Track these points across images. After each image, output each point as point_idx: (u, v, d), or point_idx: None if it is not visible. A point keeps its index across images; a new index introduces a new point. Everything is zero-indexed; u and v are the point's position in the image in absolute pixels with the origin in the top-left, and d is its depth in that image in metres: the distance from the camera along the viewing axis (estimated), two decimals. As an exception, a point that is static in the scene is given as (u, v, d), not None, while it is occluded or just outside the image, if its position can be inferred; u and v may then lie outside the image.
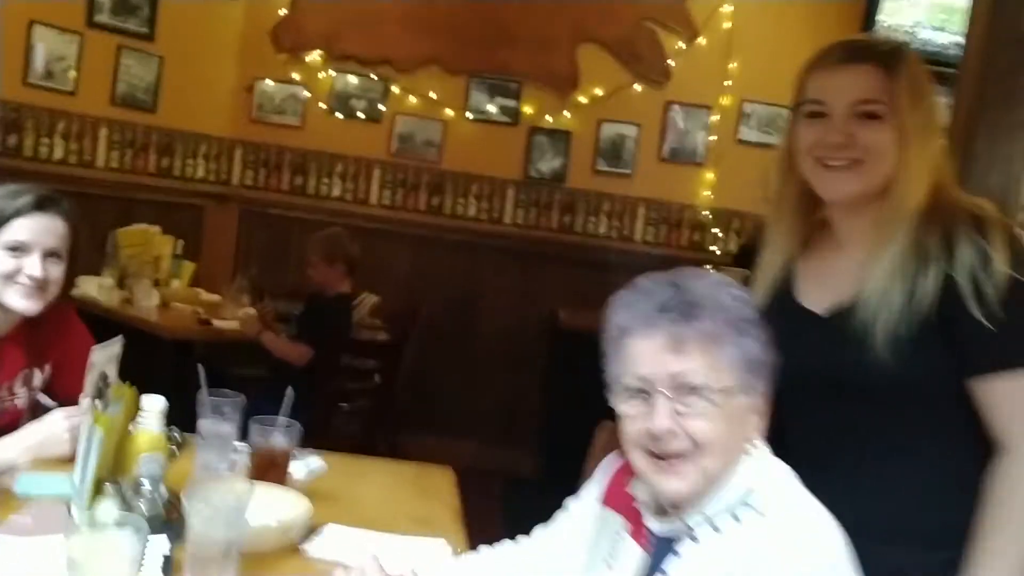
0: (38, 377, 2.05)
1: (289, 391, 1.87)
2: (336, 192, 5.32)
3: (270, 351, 3.87)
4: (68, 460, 1.74)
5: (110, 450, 1.57)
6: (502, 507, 4.36)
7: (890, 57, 1.46)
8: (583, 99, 5.26)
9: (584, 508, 1.48)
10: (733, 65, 5.18)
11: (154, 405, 1.67)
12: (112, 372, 1.69)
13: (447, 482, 2.12)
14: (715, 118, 5.28)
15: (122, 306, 4.17)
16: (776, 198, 1.60)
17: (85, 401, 1.75)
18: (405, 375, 4.43)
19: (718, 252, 5.23)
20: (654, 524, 1.31)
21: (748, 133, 5.28)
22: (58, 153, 4.55)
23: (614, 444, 2.18)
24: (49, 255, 1.94)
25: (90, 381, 1.72)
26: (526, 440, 5.01)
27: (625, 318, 1.30)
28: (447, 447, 4.79)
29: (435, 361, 4.98)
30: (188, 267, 4.77)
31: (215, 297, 4.53)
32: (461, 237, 5.31)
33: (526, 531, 1.59)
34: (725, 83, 5.22)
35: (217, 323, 4.10)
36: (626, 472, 1.37)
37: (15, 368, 2.00)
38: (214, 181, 5.26)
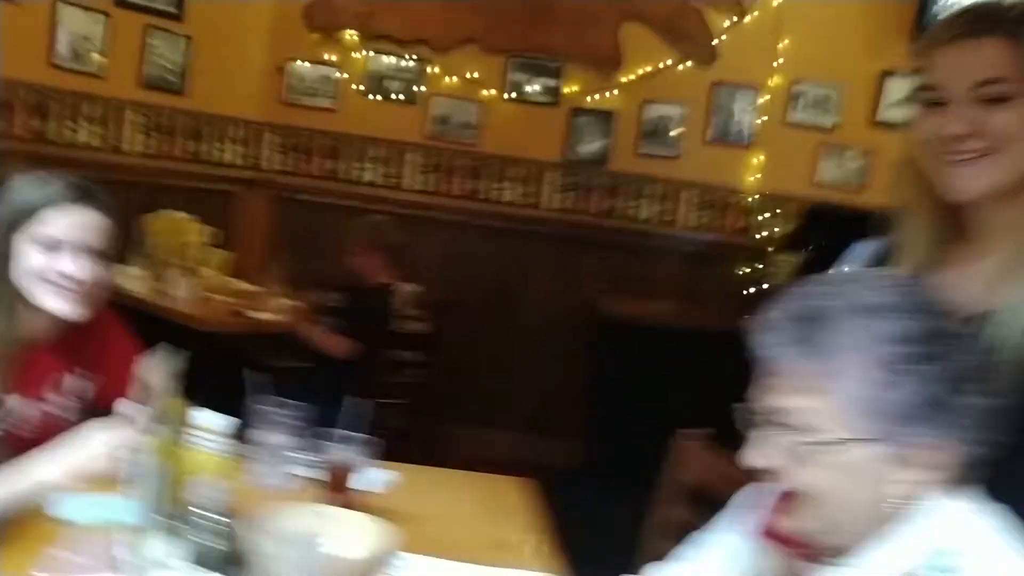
0: (78, 386, 1.87)
1: (348, 401, 1.70)
2: (370, 176, 5.15)
3: (310, 343, 3.72)
4: (109, 480, 1.57)
5: (169, 480, 1.39)
6: (544, 498, 4.22)
7: (1019, 24, 1.25)
8: (626, 79, 5.06)
9: (729, 542, 1.29)
10: (783, 44, 4.95)
11: (214, 424, 1.49)
12: (166, 387, 1.49)
13: (525, 497, 1.93)
14: (764, 99, 5.06)
15: (153, 296, 4.01)
16: (905, 200, 1.39)
17: (132, 416, 1.56)
18: (443, 365, 4.27)
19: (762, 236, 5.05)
20: (826, 570, 1.10)
21: (798, 114, 5.06)
22: (84, 137, 4.40)
23: (694, 457, 2.01)
24: (87, 253, 1.74)
25: (144, 399, 1.51)
26: (567, 431, 4.86)
27: (755, 329, 1.09)
28: (486, 438, 4.67)
29: (472, 350, 4.87)
30: (219, 255, 4.62)
31: (249, 286, 4.37)
32: (499, 223, 5.13)
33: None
34: (775, 63, 4.99)
35: (253, 314, 3.94)
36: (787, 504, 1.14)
37: (54, 377, 1.82)
38: (244, 166, 5.11)
